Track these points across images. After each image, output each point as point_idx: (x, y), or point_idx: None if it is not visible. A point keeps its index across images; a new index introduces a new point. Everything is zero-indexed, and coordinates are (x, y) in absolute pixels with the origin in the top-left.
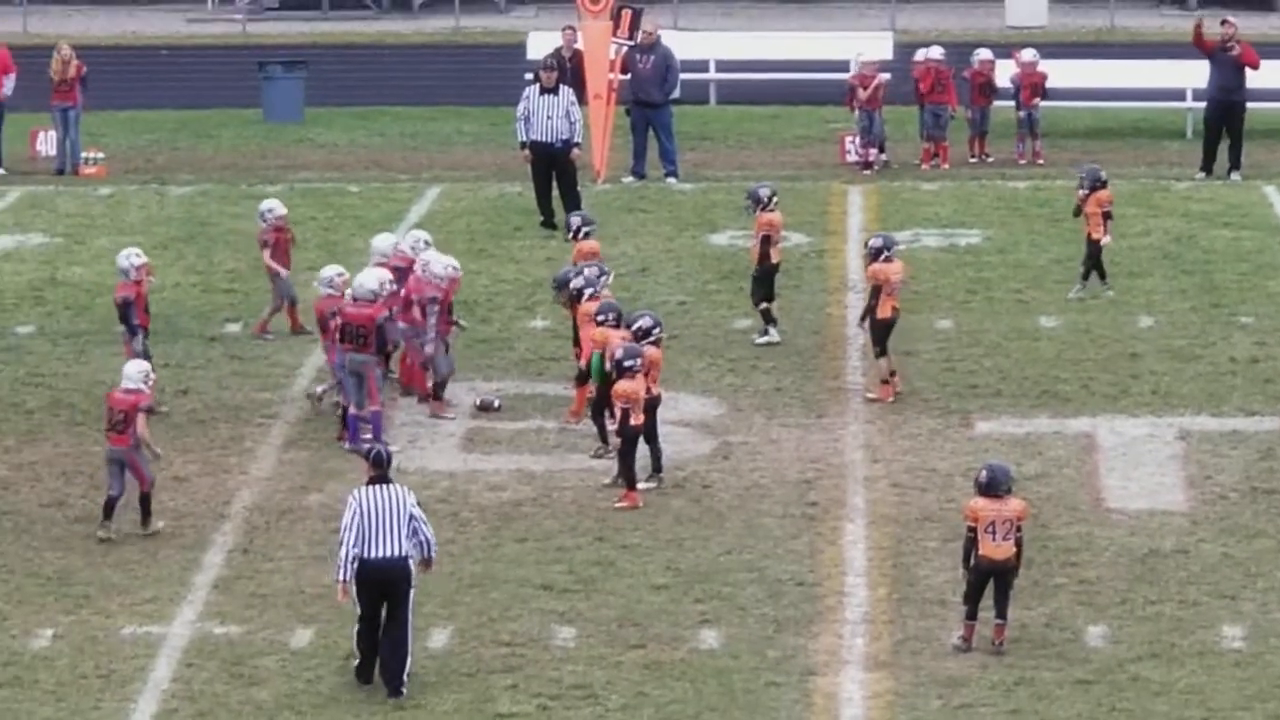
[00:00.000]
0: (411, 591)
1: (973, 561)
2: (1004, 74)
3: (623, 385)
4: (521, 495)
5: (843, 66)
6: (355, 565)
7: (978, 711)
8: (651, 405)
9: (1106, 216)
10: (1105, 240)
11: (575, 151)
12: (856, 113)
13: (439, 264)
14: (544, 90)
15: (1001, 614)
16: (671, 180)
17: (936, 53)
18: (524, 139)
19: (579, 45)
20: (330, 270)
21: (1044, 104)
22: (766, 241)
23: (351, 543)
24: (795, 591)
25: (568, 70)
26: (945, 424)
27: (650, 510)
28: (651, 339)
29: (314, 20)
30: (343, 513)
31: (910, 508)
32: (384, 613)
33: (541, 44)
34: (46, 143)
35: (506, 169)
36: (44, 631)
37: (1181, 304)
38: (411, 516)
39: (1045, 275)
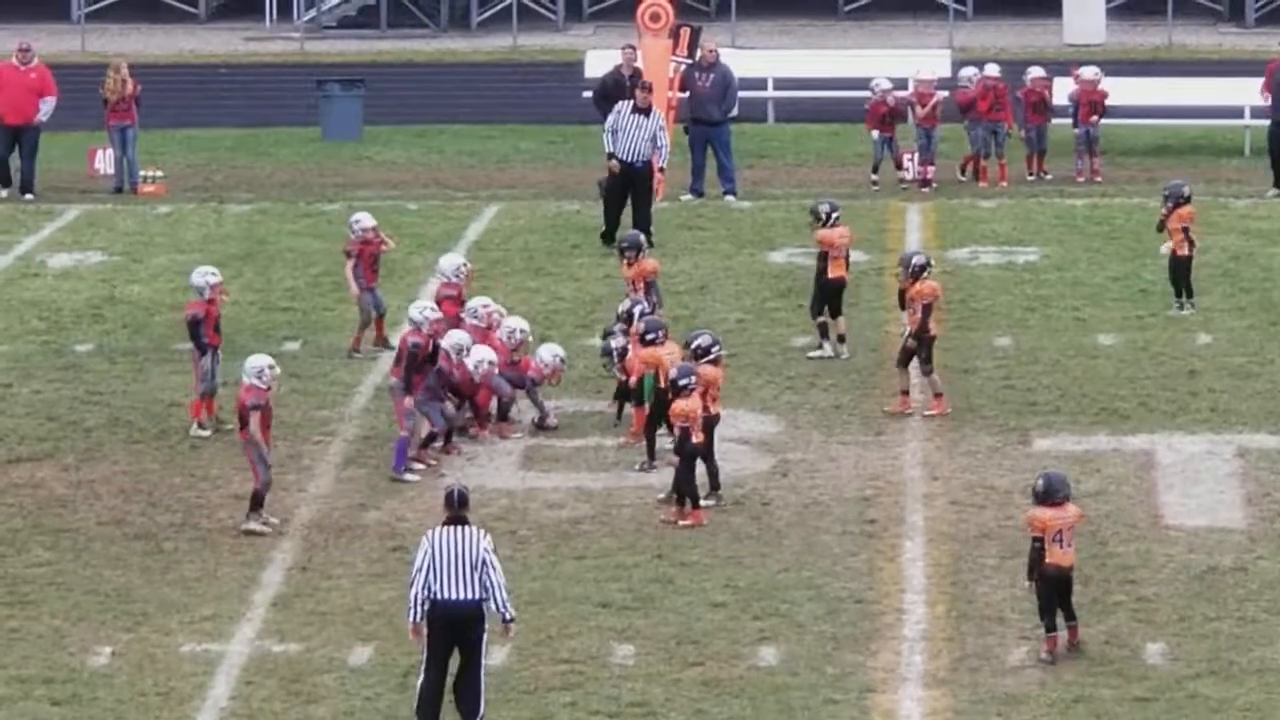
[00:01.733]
0: (485, 635)
1: (1040, 572)
2: (1061, 92)
3: (680, 404)
4: (580, 513)
5: (900, 84)
6: (427, 607)
7: None
8: (710, 424)
9: (1186, 232)
10: (1183, 252)
11: (659, 176)
12: (915, 130)
13: (546, 351)
14: (636, 109)
15: (1071, 615)
16: (730, 198)
17: (993, 70)
18: (611, 149)
19: (639, 64)
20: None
21: (1102, 121)
22: (823, 258)
23: (422, 584)
24: (854, 609)
25: (627, 89)
26: (1004, 441)
27: (709, 528)
28: (710, 357)
29: (372, 39)
30: (413, 551)
31: (969, 525)
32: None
33: (599, 62)
34: (105, 161)
35: (565, 187)
36: (103, 649)
37: (1240, 321)
38: (484, 562)
39: (1103, 293)
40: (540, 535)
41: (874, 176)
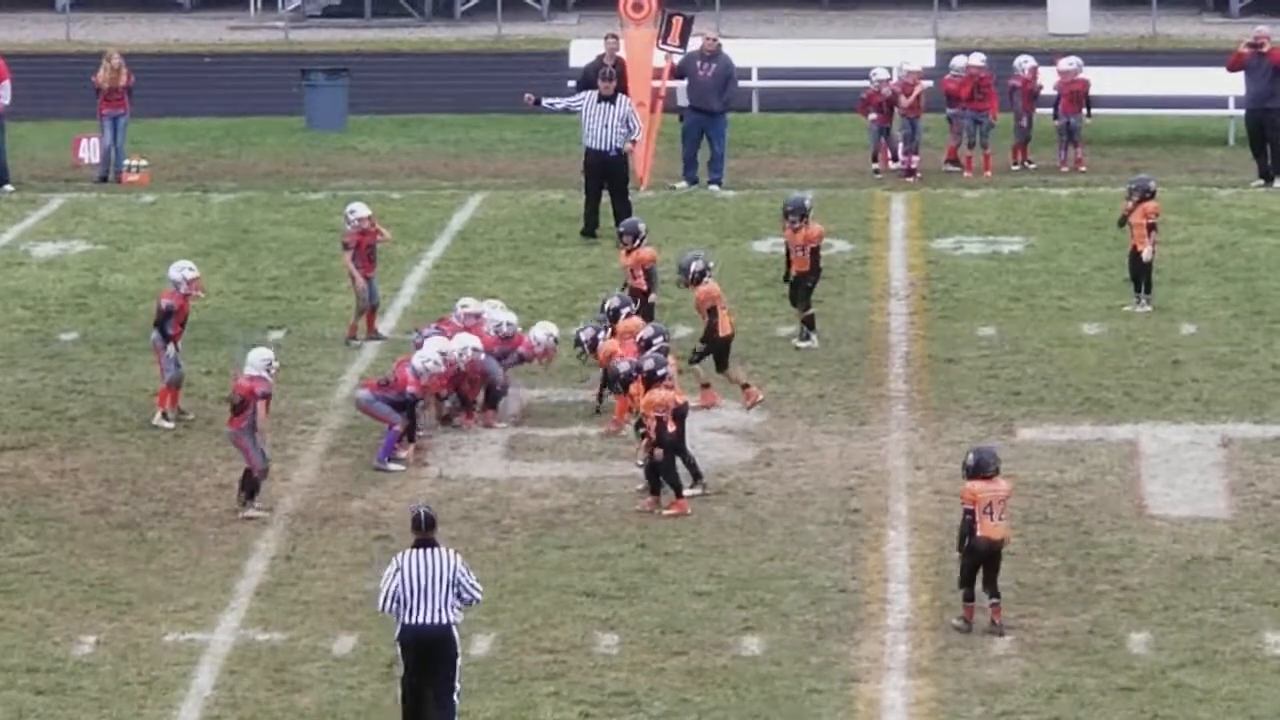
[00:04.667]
0: (458, 659)
1: (970, 544)
2: (1048, 82)
3: (657, 395)
4: (564, 502)
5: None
6: (399, 630)
7: (1020, 718)
8: (680, 414)
9: (1151, 228)
10: (1146, 254)
11: (628, 146)
12: (893, 119)
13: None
14: (602, 98)
15: (995, 593)
16: (715, 187)
17: (978, 59)
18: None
19: (621, 53)
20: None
21: (1087, 111)
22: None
23: (389, 608)
24: (838, 598)
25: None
26: (988, 431)
27: (692, 517)
28: (655, 348)
29: (356, 28)
30: (385, 568)
31: (952, 514)
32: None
33: (584, 51)
34: (89, 150)
35: (549, 176)
36: (87, 638)
37: (1224, 311)
38: (457, 581)
39: (1088, 283)
40: (524, 524)
41: (874, 165)
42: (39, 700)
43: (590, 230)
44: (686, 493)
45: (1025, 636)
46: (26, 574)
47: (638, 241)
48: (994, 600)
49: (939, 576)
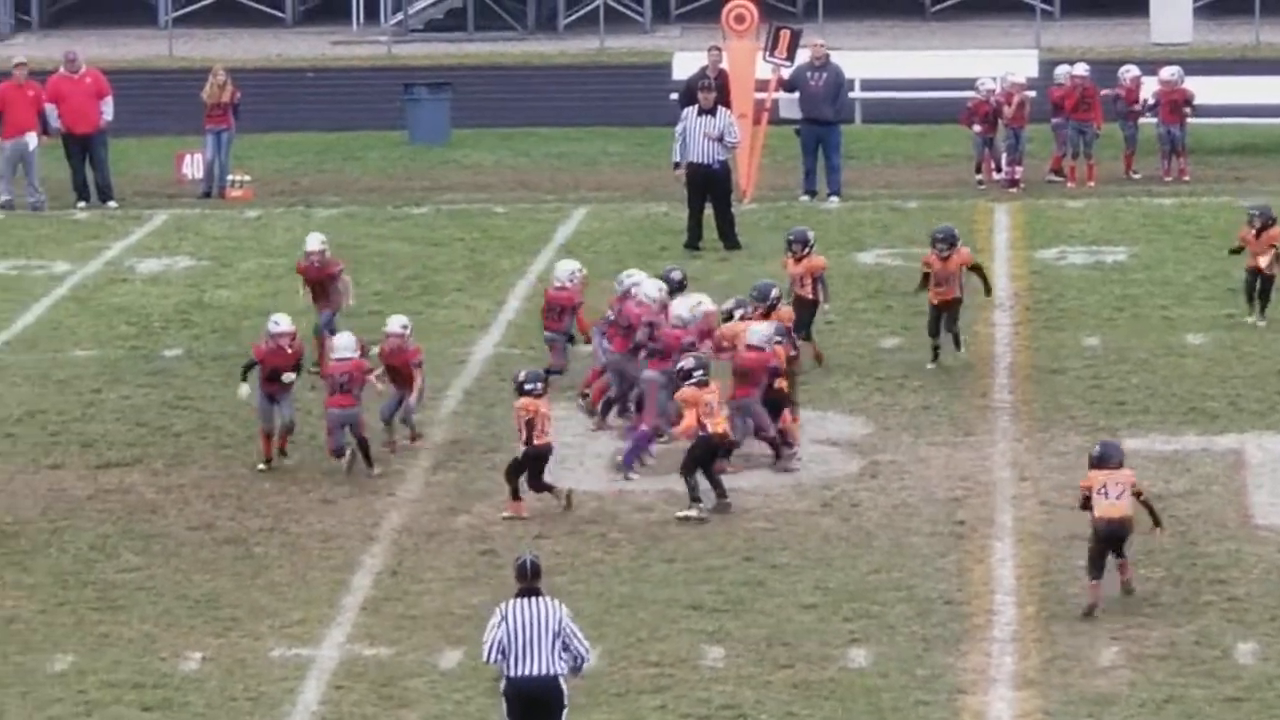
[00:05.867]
0: (564, 712)
1: (1092, 528)
2: (1151, 92)
3: (690, 391)
4: (669, 516)
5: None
6: (503, 683)
7: None
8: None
9: (1271, 247)
10: (1265, 264)
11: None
12: (998, 129)
13: (651, 286)
14: (702, 111)
15: (1121, 553)
16: (834, 199)
17: (1082, 69)
18: (677, 159)
19: (724, 65)
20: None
21: (1190, 120)
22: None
23: (494, 659)
24: (944, 610)
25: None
26: (1093, 441)
27: (799, 529)
28: (693, 380)
29: (459, 41)
30: (489, 624)
31: (1058, 525)
32: None
33: (686, 64)
34: (192, 166)
35: (653, 189)
36: (193, 654)
37: None
38: (562, 633)
39: (1192, 292)
40: (630, 538)
41: (978, 176)
42: (146, 716)
43: (694, 243)
44: (682, 513)
45: (1131, 647)
46: (133, 590)
47: (807, 249)
48: (1121, 559)
49: (1045, 588)
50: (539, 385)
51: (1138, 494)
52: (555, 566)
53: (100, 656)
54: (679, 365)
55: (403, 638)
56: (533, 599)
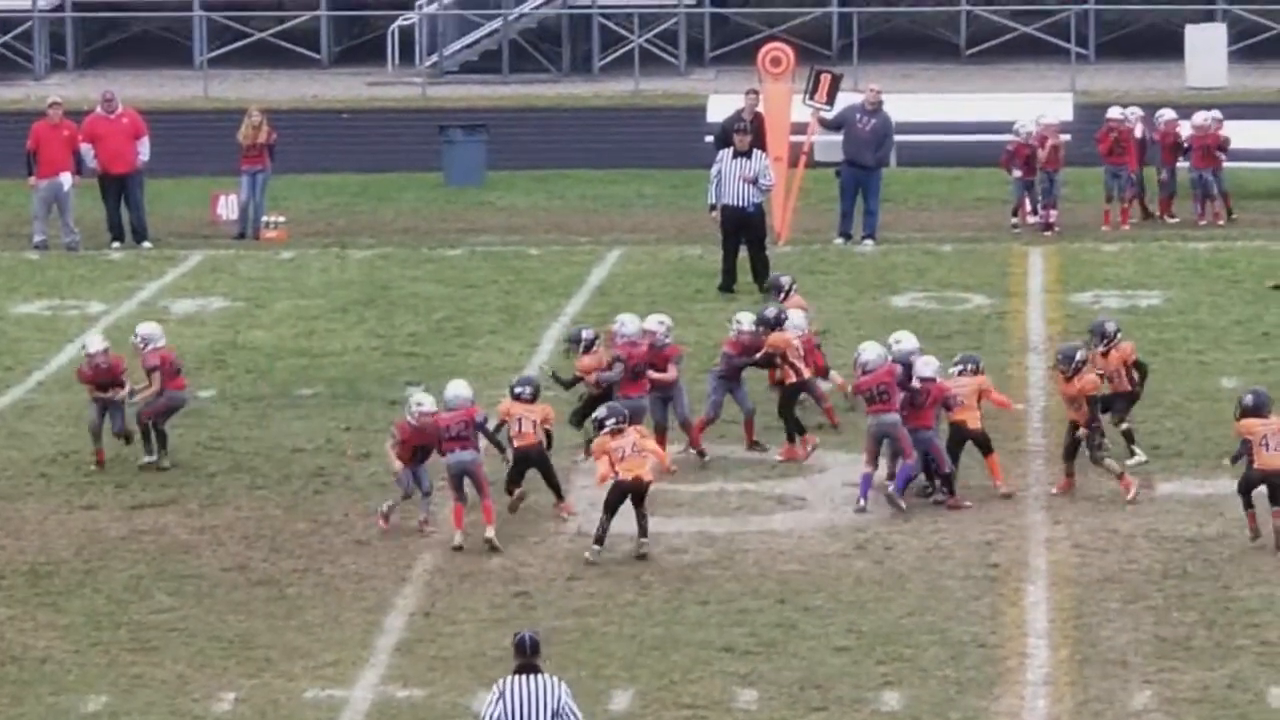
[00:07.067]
0: None
1: (1245, 475)
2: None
3: (602, 441)
4: (702, 557)
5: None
6: None
7: None
8: (632, 488)
9: None
10: None
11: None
12: (1037, 173)
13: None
14: (737, 153)
15: (1278, 501)
16: (868, 243)
17: (1116, 112)
18: (713, 201)
19: (760, 108)
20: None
21: (1225, 165)
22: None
23: None
24: (977, 653)
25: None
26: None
27: (832, 572)
28: (605, 430)
29: (494, 84)
30: (485, 700)
31: (1091, 569)
32: None
33: (721, 106)
34: (227, 207)
35: (687, 232)
36: (226, 695)
37: None
38: (561, 711)
39: (1226, 336)
40: (663, 579)
41: (1014, 219)
42: None
43: (728, 285)
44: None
45: (1164, 691)
46: (166, 631)
47: (788, 294)
48: (1277, 508)
49: (1078, 631)
50: (527, 389)
51: None
52: (588, 608)
53: (133, 698)
54: (594, 415)
55: (436, 679)
56: (532, 676)
